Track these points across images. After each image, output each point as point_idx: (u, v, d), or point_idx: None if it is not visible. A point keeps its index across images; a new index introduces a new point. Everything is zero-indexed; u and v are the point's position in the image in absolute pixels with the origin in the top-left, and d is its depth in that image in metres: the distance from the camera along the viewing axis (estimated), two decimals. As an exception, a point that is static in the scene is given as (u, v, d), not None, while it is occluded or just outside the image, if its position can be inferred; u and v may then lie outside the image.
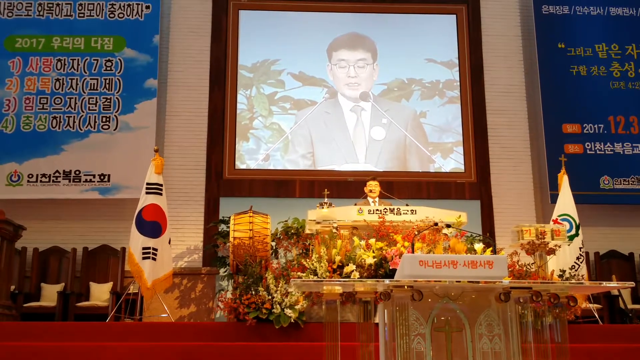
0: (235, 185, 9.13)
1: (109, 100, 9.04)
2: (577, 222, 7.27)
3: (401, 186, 9.02)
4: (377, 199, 7.19)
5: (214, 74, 9.44)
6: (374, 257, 5.72)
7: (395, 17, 9.90)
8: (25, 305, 7.79)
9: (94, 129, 8.94)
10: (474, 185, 9.33)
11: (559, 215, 7.26)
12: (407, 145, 9.48)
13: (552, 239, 6.13)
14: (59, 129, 8.89)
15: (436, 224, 5.12)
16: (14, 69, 9.03)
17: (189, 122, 9.23)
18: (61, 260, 8.55)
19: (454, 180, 9.36)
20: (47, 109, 8.95)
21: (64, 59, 9.13)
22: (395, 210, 6.41)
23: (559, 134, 9.31)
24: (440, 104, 9.69)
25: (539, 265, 6.09)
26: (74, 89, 9.04)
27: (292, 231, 7.55)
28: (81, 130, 8.92)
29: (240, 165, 9.29)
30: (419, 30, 9.89)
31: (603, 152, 9.29)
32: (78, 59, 9.14)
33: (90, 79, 9.10)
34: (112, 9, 9.32)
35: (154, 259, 6.89)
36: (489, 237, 7.92)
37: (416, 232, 5.69)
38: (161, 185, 7.19)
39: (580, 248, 7.13)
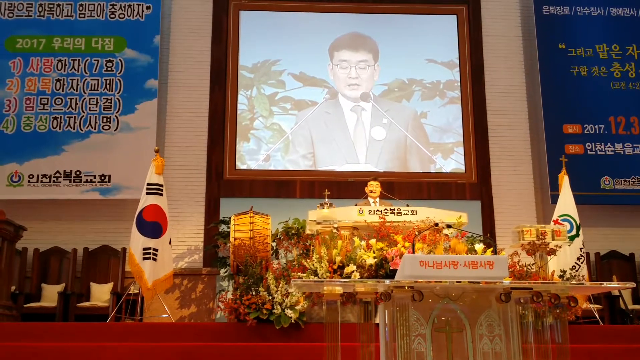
0: (235, 185, 9.13)
1: (109, 101, 9.04)
2: (578, 222, 7.27)
3: (402, 186, 9.02)
4: (377, 200, 7.19)
5: (215, 75, 9.44)
6: (374, 257, 5.72)
7: (395, 17, 9.91)
8: (25, 305, 7.79)
9: (95, 129, 8.95)
10: (474, 185, 9.33)
11: (560, 216, 7.26)
12: (408, 146, 9.48)
13: (553, 240, 6.13)
14: (60, 129, 8.90)
15: (437, 225, 5.12)
16: (15, 70, 9.03)
17: (189, 123, 9.23)
18: (62, 261, 8.56)
19: (454, 180, 9.36)
20: (47, 109, 8.95)
21: (65, 60, 9.13)
22: (396, 211, 6.41)
23: (560, 134, 9.31)
24: (440, 104, 9.69)
25: (539, 266, 6.09)
26: (74, 90, 9.05)
27: (293, 232, 7.55)
28: (82, 130, 8.93)
29: (240, 165, 9.29)
30: (419, 30, 9.89)
31: (604, 153, 9.29)
32: (79, 60, 9.15)
33: (91, 79, 9.10)
34: (112, 10, 9.33)
35: (154, 259, 6.89)
36: (489, 237, 7.92)
37: (417, 233, 5.68)
38: (162, 185, 7.19)
39: (580, 248, 7.13)
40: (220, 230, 8.29)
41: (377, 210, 6.39)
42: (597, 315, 7.08)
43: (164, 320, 7.03)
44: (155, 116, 9.06)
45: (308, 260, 5.82)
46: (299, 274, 5.74)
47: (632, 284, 4.23)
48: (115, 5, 9.33)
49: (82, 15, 9.29)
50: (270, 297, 5.74)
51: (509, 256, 6.04)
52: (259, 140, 9.43)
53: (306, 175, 9.23)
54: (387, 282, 3.70)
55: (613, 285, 4.27)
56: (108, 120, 8.99)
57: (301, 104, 9.57)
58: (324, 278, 5.58)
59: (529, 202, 9.24)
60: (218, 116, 9.32)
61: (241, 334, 5.66)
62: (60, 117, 8.94)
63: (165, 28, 9.53)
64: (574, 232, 7.13)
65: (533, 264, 6.16)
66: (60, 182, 8.74)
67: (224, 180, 9.14)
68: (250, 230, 6.87)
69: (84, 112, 8.98)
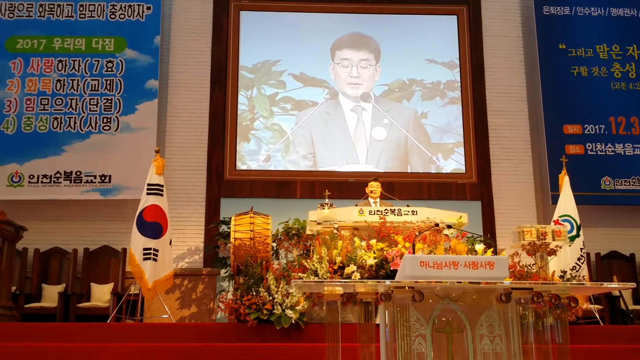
0: (236, 186, 9.13)
1: (109, 101, 9.04)
2: (578, 222, 7.26)
3: (402, 187, 9.02)
4: (378, 200, 7.19)
5: (215, 75, 9.44)
6: (374, 257, 5.72)
7: (396, 17, 9.91)
8: (26, 306, 7.79)
9: (95, 129, 8.95)
10: (474, 186, 9.33)
11: (560, 216, 7.25)
12: (409, 146, 9.48)
13: (553, 240, 6.13)
14: (60, 129, 8.90)
15: (437, 225, 5.12)
16: (15, 70, 9.04)
17: (189, 123, 9.24)
18: (62, 261, 8.56)
19: (454, 181, 9.36)
20: (48, 109, 8.95)
21: (65, 60, 9.14)
22: (396, 211, 6.41)
23: (560, 134, 9.31)
24: (441, 104, 9.69)
25: (540, 266, 6.09)
26: (75, 90, 9.05)
27: (293, 232, 7.55)
28: (82, 131, 8.93)
29: (241, 166, 9.30)
30: (419, 30, 9.89)
31: (604, 153, 9.29)
32: (79, 60, 9.15)
33: (91, 79, 9.10)
34: (113, 10, 9.33)
35: (154, 259, 6.89)
36: (489, 237, 7.92)
37: (417, 233, 5.68)
38: (162, 186, 7.19)
39: (581, 249, 7.12)
40: (220, 230, 8.29)
41: (378, 211, 6.39)
42: (597, 316, 7.08)
43: (165, 321, 7.03)
44: (156, 116, 9.07)
45: (308, 261, 5.82)
46: (300, 274, 5.74)
47: (633, 285, 4.22)
48: (116, 5, 9.33)
49: (83, 16, 9.29)
50: (271, 298, 5.73)
51: (509, 256, 6.04)
52: (259, 141, 9.44)
53: (306, 176, 9.23)
54: (388, 282, 3.70)
55: (613, 286, 4.26)
56: (108, 120, 8.99)
57: (301, 105, 9.57)
58: (325, 278, 5.57)
59: (529, 203, 9.24)
60: (218, 116, 9.32)
61: (241, 335, 5.66)
62: (61, 117, 8.94)
63: (165, 28, 9.53)
64: (574, 233, 7.12)
65: (533, 264, 6.15)
66: (60, 183, 8.74)
67: (225, 181, 9.14)
68: (251, 231, 6.87)
69: (84, 113, 8.99)
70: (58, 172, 8.77)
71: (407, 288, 3.62)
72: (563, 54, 9.60)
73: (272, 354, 5.15)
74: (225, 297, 6.09)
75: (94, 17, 9.30)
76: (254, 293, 5.80)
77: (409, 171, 9.39)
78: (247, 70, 9.62)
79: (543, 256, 6.17)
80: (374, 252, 5.78)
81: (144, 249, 6.88)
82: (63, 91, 9.03)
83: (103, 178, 8.79)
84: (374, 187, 7.21)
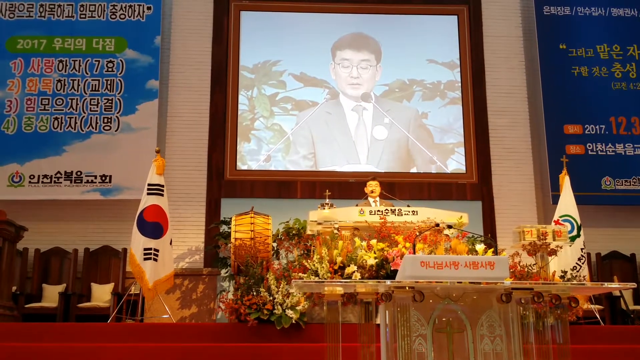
0: (236, 186, 9.14)
1: (110, 101, 9.04)
2: (579, 222, 7.26)
3: (402, 187, 9.03)
4: (377, 199, 7.19)
5: (215, 75, 9.44)
6: (375, 258, 5.72)
7: (396, 17, 9.90)
8: (26, 306, 7.79)
9: (96, 129, 8.95)
10: (475, 186, 9.33)
11: (561, 216, 7.25)
12: (409, 146, 9.47)
13: (554, 240, 6.12)
14: (61, 129, 8.90)
15: (437, 225, 5.12)
16: (16, 70, 9.04)
17: (190, 123, 9.24)
18: (62, 261, 8.56)
19: (455, 181, 9.36)
20: (48, 109, 8.96)
21: (66, 60, 9.14)
22: (397, 211, 6.41)
23: (561, 134, 9.31)
24: (441, 104, 9.69)
25: (540, 266, 6.08)
26: (75, 90, 9.05)
27: (294, 232, 7.55)
28: (82, 131, 8.93)
29: (241, 166, 9.30)
30: (420, 31, 9.89)
31: (604, 153, 9.29)
32: (79, 60, 9.16)
33: (92, 79, 9.11)
34: (113, 10, 9.33)
35: (155, 259, 6.89)
36: (490, 238, 7.92)
37: (417, 233, 5.68)
38: (162, 186, 7.19)
39: (581, 249, 7.12)
40: (221, 230, 8.30)
41: (378, 211, 6.39)
42: (598, 316, 7.07)
43: (165, 321, 7.03)
44: (156, 116, 9.07)
45: (309, 261, 5.82)
46: (300, 274, 5.74)
47: (633, 285, 4.22)
48: (116, 5, 9.34)
49: (83, 16, 9.30)
50: (271, 298, 5.73)
51: (509, 257, 6.04)
52: (259, 141, 9.44)
53: (307, 176, 9.23)
54: (388, 282, 3.69)
55: (614, 286, 4.26)
56: (109, 120, 8.99)
57: (302, 105, 9.57)
58: (325, 278, 5.58)
59: (529, 203, 9.24)
60: (219, 116, 9.32)
61: (242, 335, 5.66)
62: (61, 117, 8.94)
63: (166, 29, 9.53)
64: (574, 233, 7.12)
65: (534, 264, 6.15)
66: (61, 183, 8.75)
67: (225, 181, 9.14)
68: (251, 231, 6.87)
69: (84, 113, 8.99)
70: (58, 172, 8.77)
71: (407, 288, 3.61)
72: (563, 54, 9.60)
73: (272, 354, 5.15)
74: (226, 297, 6.09)
75: (95, 17, 9.31)
76: (255, 293, 5.80)
77: (410, 171, 9.38)
78: (248, 70, 9.62)
79: (543, 256, 6.16)
80: (375, 252, 5.78)
81: (145, 249, 6.88)
82: (63, 91, 9.03)
83: (103, 178, 8.79)
84: (373, 187, 7.21)
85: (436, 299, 3.76)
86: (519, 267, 6.05)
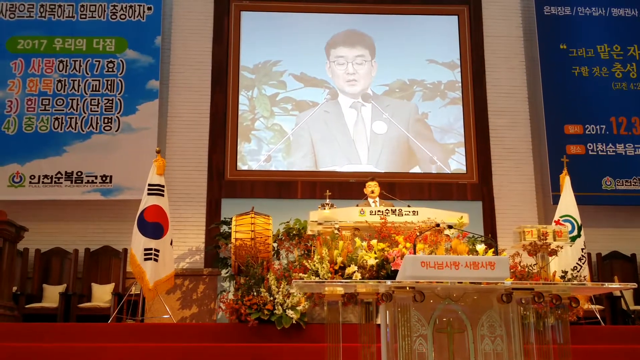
0: (237, 186, 9.14)
1: (110, 102, 9.05)
2: (579, 223, 7.26)
3: (403, 187, 9.03)
4: (377, 200, 7.18)
5: (216, 75, 9.44)
6: (375, 258, 5.72)
7: (397, 18, 9.90)
8: (27, 306, 7.79)
9: (96, 130, 8.96)
10: (475, 186, 9.33)
11: (561, 216, 7.25)
12: (410, 144, 9.47)
13: (554, 240, 6.12)
14: (61, 130, 8.91)
15: (438, 225, 5.12)
16: (16, 70, 9.04)
17: (190, 123, 9.24)
18: (63, 262, 8.56)
19: (455, 181, 9.36)
20: (49, 110, 8.96)
21: (66, 60, 9.14)
22: (397, 211, 6.40)
23: (561, 134, 9.31)
24: (442, 105, 9.69)
25: (541, 267, 6.08)
26: (75, 90, 9.05)
27: (294, 232, 7.55)
28: (83, 131, 8.93)
29: (241, 166, 9.30)
30: (420, 31, 9.89)
31: (605, 153, 9.28)
32: (80, 60, 9.16)
33: (92, 80, 9.11)
34: (114, 10, 9.33)
35: (155, 260, 6.89)
36: (490, 238, 7.91)
37: (418, 233, 5.68)
38: (163, 186, 7.20)
39: (582, 249, 7.12)
40: (221, 230, 8.30)
41: (379, 211, 6.39)
42: (598, 316, 7.07)
43: (165, 321, 7.03)
44: (157, 117, 9.07)
45: (309, 261, 5.82)
46: (300, 274, 5.74)
47: (634, 285, 4.21)
48: (117, 6, 9.34)
49: (84, 16, 9.30)
50: (272, 298, 5.74)
51: (510, 257, 6.04)
52: (260, 141, 9.44)
53: (307, 176, 9.23)
54: (389, 282, 3.69)
55: (614, 286, 4.26)
56: (109, 120, 8.99)
57: (302, 105, 9.57)
58: (325, 279, 5.57)
59: (530, 203, 9.23)
60: (219, 117, 9.32)
61: (242, 335, 5.66)
62: (62, 117, 8.95)
63: (166, 29, 9.53)
64: (575, 233, 7.12)
65: (534, 264, 6.15)
66: (61, 183, 8.75)
67: (225, 181, 9.14)
68: (252, 231, 6.87)
69: (85, 113, 8.99)
70: (59, 172, 8.77)
71: (408, 288, 3.62)
72: (564, 54, 9.60)
73: (273, 354, 5.15)
74: (226, 298, 6.10)
75: (95, 17, 9.31)
76: (255, 293, 5.80)
77: (410, 171, 9.38)
78: (248, 70, 9.62)
79: (544, 256, 6.16)
80: (375, 253, 5.78)
81: (145, 249, 6.88)
82: (64, 91, 9.04)
83: (104, 178, 8.80)
84: (373, 187, 7.20)
85: (437, 299, 3.76)
86: (519, 267, 6.05)
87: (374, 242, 5.88)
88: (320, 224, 6.40)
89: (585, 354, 5.11)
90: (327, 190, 7.42)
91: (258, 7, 9.83)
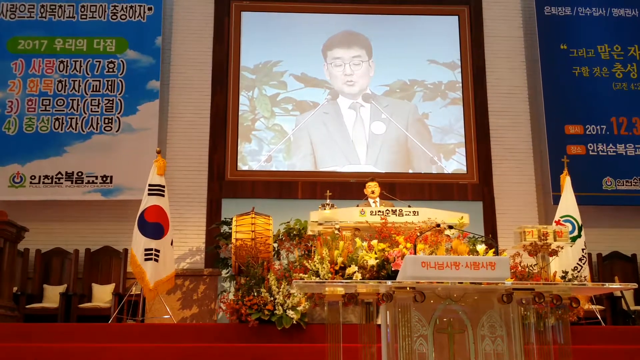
0: (237, 186, 9.13)
1: (111, 102, 9.05)
2: (580, 223, 7.26)
3: (403, 187, 9.02)
4: (377, 200, 7.18)
5: (216, 76, 9.44)
6: (376, 258, 5.72)
7: (397, 18, 9.90)
8: (27, 306, 7.79)
9: (97, 130, 8.96)
10: (476, 186, 9.32)
11: (562, 217, 7.25)
12: (409, 145, 9.47)
13: (555, 240, 6.13)
14: (62, 130, 8.91)
15: (438, 225, 5.12)
16: (17, 71, 9.05)
17: (191, 124, 9.24)
18: (63, 262, 8.56)
19: (456, 181, 9.35)
20: (49, 110, 8.96)
21: (67, 61, 9.14)
22: (398, 212, 6.41)
23: (562, 135, 9.30)
24: (442, 105, 9.69)
25: (541, 267, 6.08)
26: (76, 91, 9.05)
27: (294, 232, 7.55)
28: (83, 131, 8.93)
29: (242, 166, 9.30)
30: (421, 31, 9.89)
31: (605, 153, 9.28)
32: (80, 61, 9.16)
33: (93, 80, 9.11)
34: (114, 11, 9.34)
35: (156, 260, 6.90)
36: (491, 238, 7.92)
37: (418, 234, 5.68)
38: (163, 186, 7.20)
39: (582, 249, 7.12)
40: (222, 231, 8.30)
41: (379, 211, 6.39)
42: (599, 316, 7.07)
43: (166, 321, 7.04)
44: (157, 117, 9.07)
45: (310, 261, 5.82)
46: (301, 274, 5.74)
47: (634, 285, 4.21)
48: (117, 6, 9.34)
49: (84, 17, 9.30)
50: (272, 298, 5.74)
51: (510, 257, 6.04)
52: (260, 141, 9.44)
53: (308, 176, 9.23)
54: (389, 283, 3.69)
55: (615, 286, 4.26)
56: (110, 121, 8.99)
57: (303, 105, 9.57)
58: (326, 279, 5.57)
59: (530, 203, 9.23)
60: (220, 117, 9.32)
61: (243, 335, 5.67)
62: (62, 118, 8.95)
63: (166, 29, 9.53)
64: (575, 233, 7.12)
65: (535, 264, 6.15)
66: (62, 183, 8.75)
67: (226, 181, 9.14)
68: (252, 231, 6.87)
69: (85, 113, 8.99)
70: (59, 172, 8.77)
71: (408, 288, 3.61)
72: (564, 55, 9.60)
73: (273, 355, 5.15)
74: (227, 298, 6.11)
75: (96, 17, 9.31)
76: (255, 293, 5.81)
77: (410, 171, 9.38)
78: (249, 70, 9.62)
79: (544, 257, 6.17)
80: (376, 253, 5.78)
81: (145, 250, 6.89)
82: (64, 92, 9.04)
83: (104, 179, 8.80)
84: (373, 187, 7.20)
85: (437, 300, 3.76)
86: (520, 268, 6.04)
87: (374, 242, 5.88)
88: (320, 224, 6.40)
89: (586, 354, 5.11)
90: (328, 191, 7.42)
91: (258, 8, 9.83)
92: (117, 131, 8.97)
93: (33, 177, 8.72)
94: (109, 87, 9.10)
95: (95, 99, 9.05)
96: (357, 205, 6.88)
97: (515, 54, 9.76)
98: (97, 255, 8.62)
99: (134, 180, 8.61)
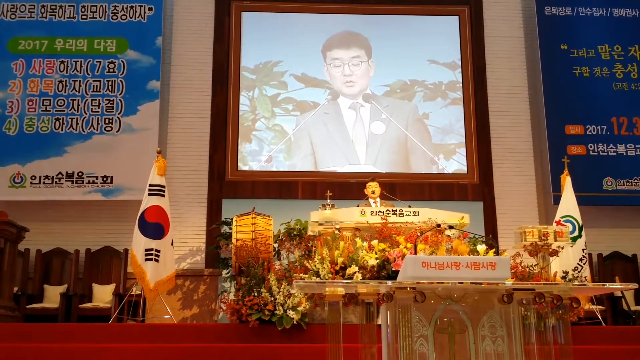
0: (237, 186, 9.13)
1: (111, 102, 9.05)
2: (580, 223, 7.26)
3: (404, 187, 9.02)
4: (378, 200, 7.18)
5: (217, 76, 9.45)
6: (376, 258, 5.71)
7: (397, 18, 9.90)
8: (28, 306, 7.80)
9: (97, 130, 8.96)
10: (476, 186, 9.32)
11: (562, 217, 7.24)
12: (409, 145, 9.47)
13: (555, 241, 6.12)
14: (62, 130, 8.91)
15: (439, 226, 5.12)
16: (17, 71, 9.05)
17: (191, 124, 9.24)
18: (64, 262, 8.57)
19: (456, 181, 9.35)
20: (50, 110, 8.96)
21: (67, 61, 9.15)
22: (398, 212, 6.40)
23: (562, 135, 9.30)
24: (442, 105, 9.69)
25: (541, 267, 6.08)
26: (76, 91, 9.06)
27: (295, 232, 7.55)
28: (84, 132, 8.94)
29: (242, 166, 9.30)
30: (421, 31, 9.89)
31: (606, 154, 9.28)
32: (81, 61, 9.16)
33: (93, 80, 9.11)
34: (115, 11, 9.34)
35: (156, 260, 6.89)
36: (491, 238, 7.92)
37: (419, 234, 5.68)
38: (164, 186, 7.20)
39: (583, 249, 7.12)
40: (222, 231, 8.30)
41: (379, 212, 6.39)
42: (599, 316, 7.07)
43: (166, 322, 7.03)
44: (157, 117, 9.07)
45: (310, 262, 5.82)
46: (301, 275, 5.74)
47: (635, 285, 4.21)
48: (118, 6, 9.35)
49: (85, 17, 9.30)
50: (272, 298, 5.74)
51: (511, 257, 6.03)
52: (261, 142, 9.44)
53: (308, 176, 9.23)
54: (389, 283, 3.69)
55: (615, 286, 4.27)
56: (110, 121, 9.00)
57: (303, 105, 9.57)
58: (326, 279, 5.57)
59: (531, 203, 9.23)
60: (220, 117, 9.32)
61: (243, 335, 5.66)
62: (63, 118, 8.95)
63: (167, 29, 9.53)
64: (576, 233, 7.12)
65: (535, 265, 6.15)
66: (62, 184, 8.75)
67: (226, 182, 9.15)
68: (253, 232, 6.87)
69: (86, 114, 9.00)
70: (60, 173, 8.78)
71: (408, 289, 3.61)
72: (565, 55, 9.60)
73: (273, 355, 5.15)
74: (227, 298, 6.10)
75: (96, 18, 9.31)
76: (256, 294, 5.80)
77: (410, 172, 9.38)
78: (249, 71, 9.62)
79: (545, 257, 6.16)
80: (376, 253, 5.77)
81: (146, 250, 6.89)
82: (65, 92, 9.04)
83: (105, 179, 8.80)
84: (373, 187, 7.19)
85: (437, 300, 3.76)
86: (520, 268, 6.04)
87: (374, 242, 5.88)
88: (321, 224, 6.40)
89: (586, 354, 5.11)
90: (328, 191, 7.42)
91: (259, 8, 9.83)
92: (117, 131, 8.97)
93: (33, 177, 8.73)
94: (110, 87, 9.10)
95: (96, 99, 9.05)
96: (358, 206, 6.88)
97: (515, 54, 9.76)
98: (98, 256, 8.62)
99: (134, 181, 8.62)
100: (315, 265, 5.75)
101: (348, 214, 6.44)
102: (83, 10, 9.32)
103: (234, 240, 6.88)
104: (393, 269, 5.60)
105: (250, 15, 9.79)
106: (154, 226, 6.98)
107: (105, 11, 9.34)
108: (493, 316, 3.76)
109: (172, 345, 5.27)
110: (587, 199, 8.72)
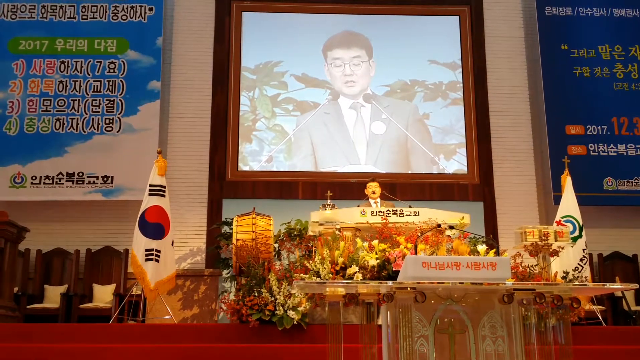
0: (238, 186, 9.14)
1: (112, 102, 9.05)
2: (581, 223, 7.25)
3: (404, 187, 9.02)
4: (378, 200, 7.18)
5: (217, 76, 9.45)
6: (376, 258, 5.71)
7: (398, 18, 9.90)
8: (28, 306, 7.80)
9: (97, 130, 8.96)
10: (477, 186, 9.32)
11: (562, 217, 7.24)
12: (410, 145, 9.47)
13: (556, 241, 6.11)
14: (63, 130, 8.91)
15: (439, 226, 5.12)
16: (18, 71, 9.05)
17: (191, 124, 9.25)
18: (64, 262, 8.57)
19: (457, 181, 9.35)
20: (50, 111, 8.97)
21: (68, 61, 9.15)
22: (398, 212, 6.40)
23: (562, 135, 9.30)
24: (443, 105, 9.69)
25: (542, 267, 6.08)
26: (77, 91, 9.06)
27: (295, 233, 7.55)
28: (84, 132, 8.94)
29: (243, 166, 9.30)
30: (421, 31, 9.89)
31: (606, 154, 9.28)
32: (81, 61, 9.17)
33: (94, 81, 9.12)
34: (115, 11, 9.34)
35: (157, 260, 6.89)
36: (492, 238, 7.91)
37: (419, 234, 5.68)
38: (164, 187, 7.19)
39: (583, 249, 7.11)
40: (222, 231, 8.30)
41: (380, 212, 6.38)
42: (600, 317, 7.06)
43: (167, 322, 7.03)
44: (158, 117, 9.08)
45: (310, 262, 5.82)
46: (302, 275, 5.74)
47: (635, 285, 4.21)
48: (118, 6, 9.35)
49: (85, 17, 9.31)
50: (273, 299, 5.73)
51: (511, 257, 6.03)
52: (261, 142, 9.44)
53: (308, 177, 9.23)
54: (390, 283, 3.69)
55: (616, 287, 4.26)
56: (110, 121, 9.00)
57: (303, 105, 9.57)
58: (327, 279, 5.57)
59: (531, 203, 9.23)
60: (220, 117, 9.33)
61: (243, 335, 5.66)
62: (63, 118, 8.95)
63: (167, 29, 9.54)
64: (576, 233, 7.11)
65: (536, 265, 6.14)
66: (62, 184, 8.75)
67: (227, 182, 9.15)
68: (253, 232, 6.87)
69: (86, 114, 9.00)
70: (60, 173, 8.78)
71: (409, 289, 3.61)
72: (565, 55, 9.59)
73: (274, 355, 5.15)
74: (227, 298, 6.10)
75: (96, 18, 9.32)
76: (256, 294, 5.80)
77: (411, 172, 9.38)
78: (249, 71, 9.62)
79: (545, 257, 6.15)
80: (376, 253, 5.77)
81: (146, 250, 6.88)
82: (65, 92, 9.04)
83: (105, 179, 8.80)
84: (374, 188, 7.19)
85: (438, 300, 3.76)
86: (520, 268, 6.04)
87: (375, 242, 5.88)
88: (321, 224, 6.40)
89: (587, 354, 5.10)
90: (328, 191, 7.41)
91: (259, 8, 9.83)
92: (117, 131, 8.97)
93: (34, 178, 8.73)
94: (110, 87, 9.10)
95: (96, 100, 9.05)
96: (358, 206, 6.88)
97: (516, 54, 9.76)
98: (98, 256, 8.62)
99: (134, 181, 8.62)
100: (315, 266, 5.75)
101: (348, 214, 6.44)
102: (83, 10, 9.32)
103: (234, 241, 6.88)
104: (393, 269, 5.60)
105: (250, 16, 9.79)
106: (155, 226, 6.98)
107: (106, 11, 9.34)
108: (493, 316, 3.76)
109: (173, 346, 5.27)
110: (588, 199, 8.72)
